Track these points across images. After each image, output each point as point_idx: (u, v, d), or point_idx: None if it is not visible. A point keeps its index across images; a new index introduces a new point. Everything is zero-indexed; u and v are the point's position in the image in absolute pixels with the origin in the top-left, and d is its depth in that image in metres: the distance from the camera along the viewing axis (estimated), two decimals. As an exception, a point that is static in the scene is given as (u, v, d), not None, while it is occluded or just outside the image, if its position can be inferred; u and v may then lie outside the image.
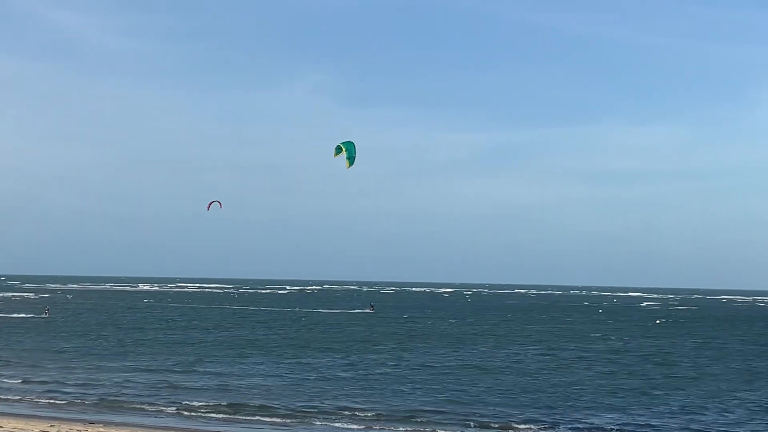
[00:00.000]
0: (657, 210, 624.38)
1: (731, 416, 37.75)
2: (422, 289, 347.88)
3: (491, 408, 38.77)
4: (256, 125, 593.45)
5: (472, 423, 35.08)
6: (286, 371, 51.02)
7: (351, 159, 35.63)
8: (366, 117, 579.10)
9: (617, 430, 34.19)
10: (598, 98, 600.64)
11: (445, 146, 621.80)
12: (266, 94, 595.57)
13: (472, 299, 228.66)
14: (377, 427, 34.19)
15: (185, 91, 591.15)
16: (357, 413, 36.42)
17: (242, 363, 54.88)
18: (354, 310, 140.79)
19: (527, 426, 34.62)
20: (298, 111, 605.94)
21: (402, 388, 44.65)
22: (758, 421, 36.47)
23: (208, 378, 47.37)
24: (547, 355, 64.91)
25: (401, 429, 33.95)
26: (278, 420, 35.51)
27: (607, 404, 40.48)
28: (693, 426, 35.29)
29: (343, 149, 35.92)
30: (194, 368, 51.64)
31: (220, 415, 36.30)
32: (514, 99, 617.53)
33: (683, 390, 45.89)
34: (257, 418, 35.94)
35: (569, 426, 34.76)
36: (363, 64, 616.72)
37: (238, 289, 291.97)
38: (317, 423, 34.96)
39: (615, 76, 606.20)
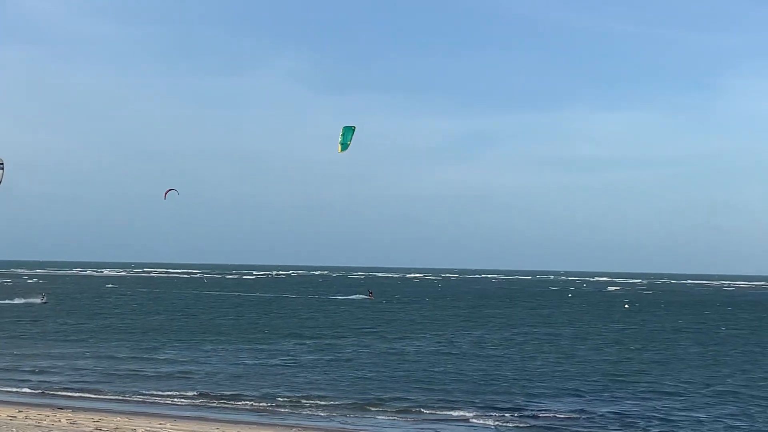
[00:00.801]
0: (625, 196, 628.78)
1: (694, 401, 38.22)
2: (392, 275, 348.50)
3: (455, 395, 38.94)
4: (230, 111, 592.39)
5: (432, 409, 35.23)
6: (254, 357, 51.13)
7: (344, 145, 35.35)
8: (339, 103, 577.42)
9: (579, 415, 34.43)
10: (566, 85, 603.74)
11: (417, 133, 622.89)
12: (240, 80, 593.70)
13: (442, 285, 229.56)
14: (337, 414, 34.32)
15: (157, 76, 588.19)
16: (319, 401, 36.44)
17: (207, 349, 54.91)
18: (353, 296, 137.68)
19: (488, 413, 34.79)
20: (272, 97, 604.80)
21: (367, 374, 44.82)
22: (719, 407, 36.94)
23: (171, 365, 47.34)
24: (512, 340, 65.35)
25: (362, 415, 34.09)
26: (247, 406, 35.60)
27: (572, 389, 40.81)
28: (657, 412, 35.70)
29: (341, 133, 35.65)
30: (155, 355, 51.54)
31: (186, 402, 36.31)
32: (484, 86, 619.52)
33: (648, 374, 46.40)
34: (225, 404, 36.00)
35: (531, 411, 35.00)
36: (337, 50, 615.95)
37: (204, 274, 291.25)
38: (284, 410, 35.07)
39: (584, 63, 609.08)
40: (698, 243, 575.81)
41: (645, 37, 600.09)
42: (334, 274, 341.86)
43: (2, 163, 30.75)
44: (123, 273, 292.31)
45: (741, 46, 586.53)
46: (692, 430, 32.06)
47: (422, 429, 31.71)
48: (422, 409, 35.10)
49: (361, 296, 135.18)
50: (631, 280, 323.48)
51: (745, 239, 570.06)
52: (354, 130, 35.04)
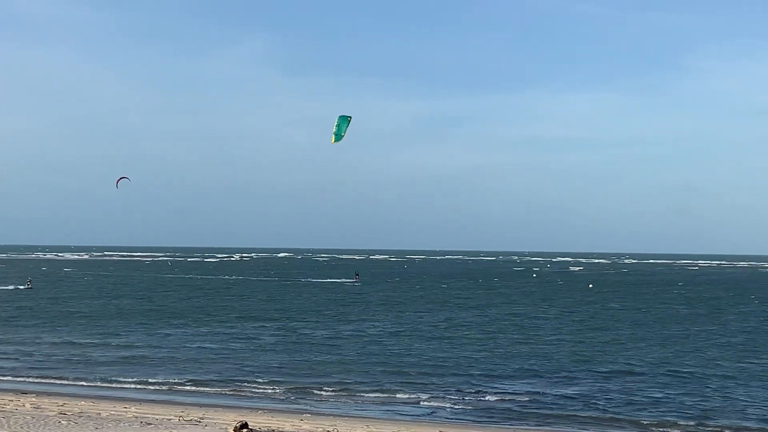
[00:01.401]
0: (590, 176, 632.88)
1: (653, 380, 38.82)
2: (356, 257, 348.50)
3: (412, 376, 39.26)
4: (196, 94, 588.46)
5: (391, 390, 35.50)
6: (219, 341, 51.21)
7: (338, 136, 33.86)
8: (308, 85, 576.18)
9: (540, 397, 34.72)
10: (532, 67, 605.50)
11: (386, 114, 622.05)
12: (207, 62, 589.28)
13: (409, 266, 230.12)
14: (293, 397, 34.51)
15: (124, 59, 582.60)
16: (275, 386, 36.62)
17: (170, 332, 54.88)
18: (339, 279, 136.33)
19: (446, 394, 35.12)
20: (239, 79, 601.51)
21: (328, 357, 45.07)
22: (677, 387, 37.52)
23: (134, 349, 47.32)
24: (472, 321, 65.84)
25: (320, 398, 34.37)
26: (208, 390, 35.71)
27: (533, 370, 41.20)
28: (617, 392, 36.20)
29: (335, 124, 34.07)
30: (118, 340, 51.38)
31: (151, 386, 36.36)
32: (451, 68, 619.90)
33: (609, 354, 46.99)
34: (189, 388, 36.11)
35: (490, 392, 35.28)
36: (305, 32, 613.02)
37: (171, 256, 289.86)
38: (246, 393, 35.25)
39: (550, 45, 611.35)
40: (662, 223, 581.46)
41: (609, 18, 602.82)
42: (299, 257, 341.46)
43: None
44: (85, 256, 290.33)
45: (704, 26, 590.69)
46: (652, 409, 32.60)
47: (377, 410, 32.05)
48: (379, 392, 35.35)
49: (348, 280, 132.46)
50: (595, 261, 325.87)
51: (708, 219, 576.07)
52: (349, 121, 34.03)
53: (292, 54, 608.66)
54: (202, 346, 48.89)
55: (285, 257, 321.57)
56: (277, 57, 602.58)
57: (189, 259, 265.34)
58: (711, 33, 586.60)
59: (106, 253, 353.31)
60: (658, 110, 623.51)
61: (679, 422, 30.30)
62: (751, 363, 44.40)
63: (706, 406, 33.20)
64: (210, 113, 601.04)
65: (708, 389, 36.67)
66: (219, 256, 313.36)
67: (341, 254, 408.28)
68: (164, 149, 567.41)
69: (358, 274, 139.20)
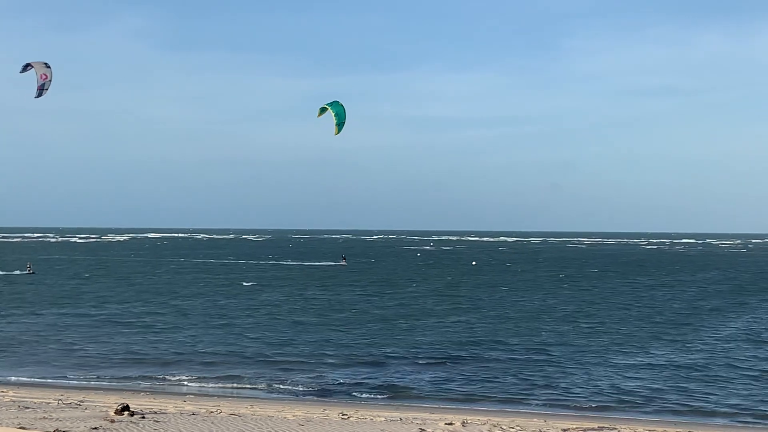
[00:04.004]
0: (472, 155, 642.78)
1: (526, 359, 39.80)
2: (230, 237, 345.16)
3: (294, 364, 39.43)
4: (75, 68, 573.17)
5: (275, 375, 35.52)
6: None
7: (340, 126, 31.53)
8: (185, 62, 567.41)
9: (431, 386, 35.10)
10: (417, 47, 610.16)
11: (267, 92, 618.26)
12: (85, 36, 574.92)
13: (294, 245, 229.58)
14: (177, 380, 34.28)
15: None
16: (160, 370, 36.29)
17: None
18: (326, 262, 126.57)
19: (326, 378, 35.30)
20: (118, 55, 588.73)
21: (214, 341, 44.84)
22: (539, 365, 38.51)
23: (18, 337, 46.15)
24: (362, 305, 66.21)
25: (205, 378, 34.23)
26: (88, 374, 35.11)
27: (409, 355, 41.77)
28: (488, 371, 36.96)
29: (332, 113, 31.68)
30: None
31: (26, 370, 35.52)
32: (337, 47, 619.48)
33: (499, 338, 47.90)
34: (66, 372, 35.39)
35: (367, 376, 35.56)
36: (188, 7, 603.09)
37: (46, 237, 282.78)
38: (130, 375, 34.85)
39: (433, 25, 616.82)
40: (540, 201, 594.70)
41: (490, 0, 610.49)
42: (179, 236, 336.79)
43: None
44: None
45: (580, 8, 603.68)
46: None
47: (261, 392, 31.95)
48: (264, 377, 35.31)
49: (333, 263, 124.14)
50: (482, 239, 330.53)
51: (583, 197, 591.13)
52: (343, 108, 31.83)
53: (174, 29, 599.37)
54: (79, 331, 47.72)
55: (158, 237, 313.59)
56: (158, 32, 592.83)
57: (51, 240, 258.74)
58: (587, 15, 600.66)
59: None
60: (538, 90, 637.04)
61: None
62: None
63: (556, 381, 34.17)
64: (89, 88, 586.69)
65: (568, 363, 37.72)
66: (81, 236, 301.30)
67: (221, 234, 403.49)
68: (40, 126, 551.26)
69: (345, 257, 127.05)
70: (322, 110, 32.13)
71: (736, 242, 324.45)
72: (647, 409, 29.26)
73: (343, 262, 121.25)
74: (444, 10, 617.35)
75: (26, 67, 31.91)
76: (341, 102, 31.99)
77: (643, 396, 30.99)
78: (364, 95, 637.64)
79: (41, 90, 31.74)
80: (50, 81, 31.75)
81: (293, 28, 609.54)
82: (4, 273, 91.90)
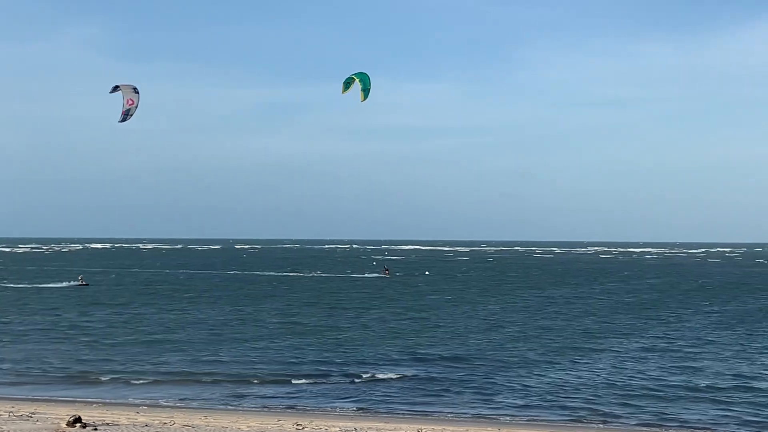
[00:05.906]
0: (430, 165, 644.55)
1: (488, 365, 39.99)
2: (178, 246, 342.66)
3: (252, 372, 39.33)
4: (24, 79, 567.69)
5: (230, 384, 35.37)
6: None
7: (366, 91, 33.52)
8: (139, 71, 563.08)
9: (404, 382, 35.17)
10: (373, 56, 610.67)
11: (218, 102, 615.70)
12: (36, 46, 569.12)
13: (248, 255, 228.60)
14: (129, 391, 34.07)
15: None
16: (112, 380, 36.06)
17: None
18: (371, 275, 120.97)
19: (287, 385, 35.29)
20: (68, 65, 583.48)
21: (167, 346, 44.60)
22: (513, 370, 38.74)
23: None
24: (310, 308, 66.14)
25: (157, 388, 34.04)
26: (42, 383, 34.75)
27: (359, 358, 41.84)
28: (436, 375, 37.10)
29: (357, 80, 33.39)
30: None
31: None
32: (292, 56, 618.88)
33: (431, 338, 48.07)
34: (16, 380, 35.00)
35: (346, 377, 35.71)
36: (142, 18, 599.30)
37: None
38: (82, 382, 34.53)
39: (390, 35, 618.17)
40: (499, 209, 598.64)
41: (449, 9, 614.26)
42: (129, 246, 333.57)
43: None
44: None
45: (536, 19, 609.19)
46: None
47: (217, 402, 31.86)
48: (220, 386, 35.15)
49: (376, 274, 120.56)
50: (437, 248, 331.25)
51: (540, 205, 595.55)
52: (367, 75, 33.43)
53: (127, 39, 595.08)
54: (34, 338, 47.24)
55: (111, 248, 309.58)
56: (111, 42, 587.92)
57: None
58: (543, 26, 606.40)
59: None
60: (497, 100, 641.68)
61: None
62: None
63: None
64: (39, 99, 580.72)
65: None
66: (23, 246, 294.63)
67: (175, 244, 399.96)
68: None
69: (387, 269, 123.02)
70: (347, 84, 33.38)
71: (699, 251, 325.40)
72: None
73: (385, 273, 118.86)
74: (400, 21, 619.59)
75: (115, 88, 31.58)
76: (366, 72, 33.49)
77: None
78: (318, 105, 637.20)
79: (126, 115, 31.42)
80: (136, 107, 31.42)
81: (245, 38, 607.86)
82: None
